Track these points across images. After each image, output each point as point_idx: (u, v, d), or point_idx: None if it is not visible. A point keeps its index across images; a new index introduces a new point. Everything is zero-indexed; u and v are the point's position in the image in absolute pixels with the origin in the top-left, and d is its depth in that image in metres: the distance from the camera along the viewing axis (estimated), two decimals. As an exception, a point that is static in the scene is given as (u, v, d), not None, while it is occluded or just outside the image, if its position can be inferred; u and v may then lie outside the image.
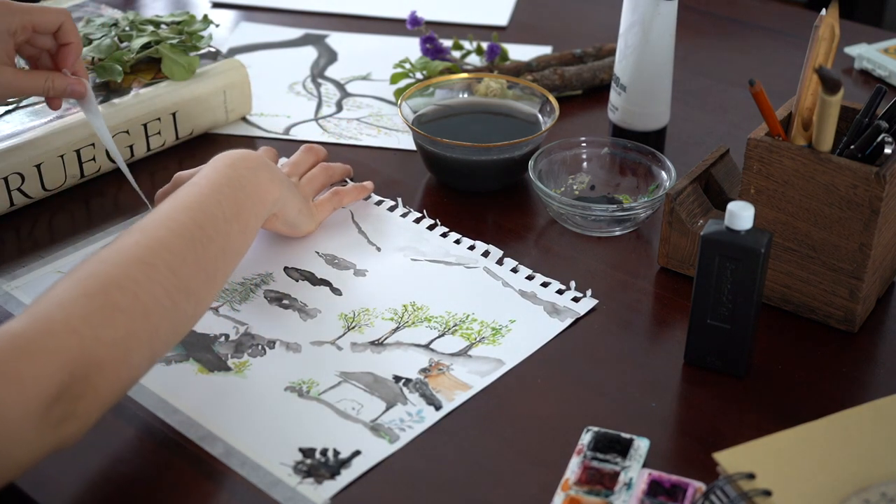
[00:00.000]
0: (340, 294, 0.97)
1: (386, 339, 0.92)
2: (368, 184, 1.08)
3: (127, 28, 1.20)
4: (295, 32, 1.44)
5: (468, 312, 0.95)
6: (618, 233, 1.05)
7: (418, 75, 1.27)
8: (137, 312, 0.75)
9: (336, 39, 1.43)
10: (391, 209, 1.08)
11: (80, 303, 0.73)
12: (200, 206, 0.84)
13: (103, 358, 0.72)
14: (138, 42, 1.17)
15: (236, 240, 0.86)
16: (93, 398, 0.72)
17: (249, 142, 1.20)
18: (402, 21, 1.44)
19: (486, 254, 1.02)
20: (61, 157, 1.06)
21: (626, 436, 0.82)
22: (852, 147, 0.89)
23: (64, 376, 0.70)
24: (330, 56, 1.38)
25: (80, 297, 0.73)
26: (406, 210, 1.08)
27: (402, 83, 1.28)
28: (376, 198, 1.09)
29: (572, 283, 0.98)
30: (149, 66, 1.18)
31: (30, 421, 0.68)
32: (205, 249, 0.82)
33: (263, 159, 0.93)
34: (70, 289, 0.74)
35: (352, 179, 1.12)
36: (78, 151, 1.08)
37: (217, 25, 1.26)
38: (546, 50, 1.40)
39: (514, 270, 1.00)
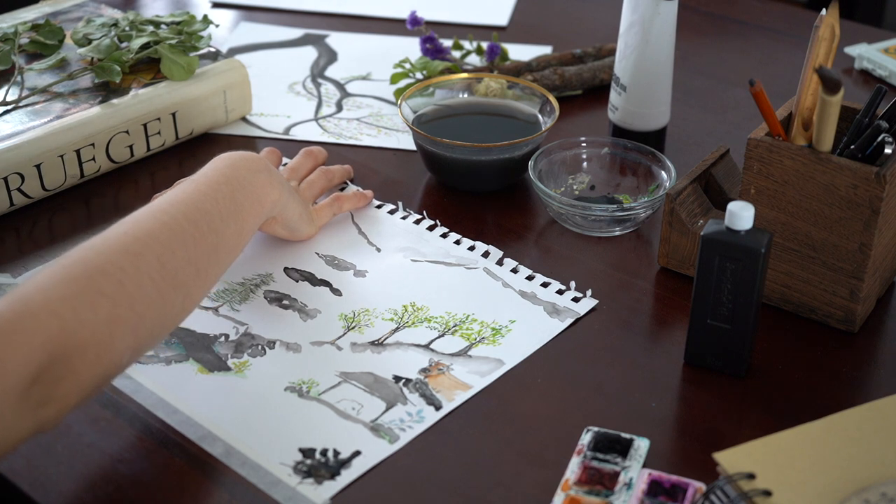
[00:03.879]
0: (340, 294, 0.97)
1: (386, 339, 0.92)
2: (369, 192, 1.08)
3: (127, 28, 1.20)
4: (295, 32, 1.44)
5: (468, 313, 0.95)
6: (618, 233, 1.05)
7: (418, 75, 1.27)
8: (122, 299, 0.75)
9: (336, 39, 1.43)
10: (391, 212, 1.08)
11: (61, 286, 0.73)
12: (195, 202, 0.84)
13: (85, 340, 0.72)
14: (138, 42, 1.17)
15: (231, 239, 0.86)
16: (73, 381, 0.72)
17: (249, 142, 1.20)
18: (402, 21, 1.44)
19: (486, 254, 1.02)
20: (61, 157, 1.06)
21: (626, 436, 0.82)
22: (852, 147, 0.89)
23: (43, 358, 0.70)
24: (330, 56, 1.38)
25: (62, 280, 0.73)
26: (406, 212, 1.08)
27: (402, 83, 1.28)
28: (376, 202, 1.09)
29: (572, 284, 0.98)
30: (148, 67, 1.18)
31: (8, 402, 0.68)
32: (196, 244, 0.82)
33: (264, 162, 0.93)
34: (53, 274, 0.74)
35: (352, 181, 1.12)
36: (78, 151, 1.08)
37: (217, 25, 1.26)
38: (546, 50, 1.40)
39: (514, 271, 1.00)
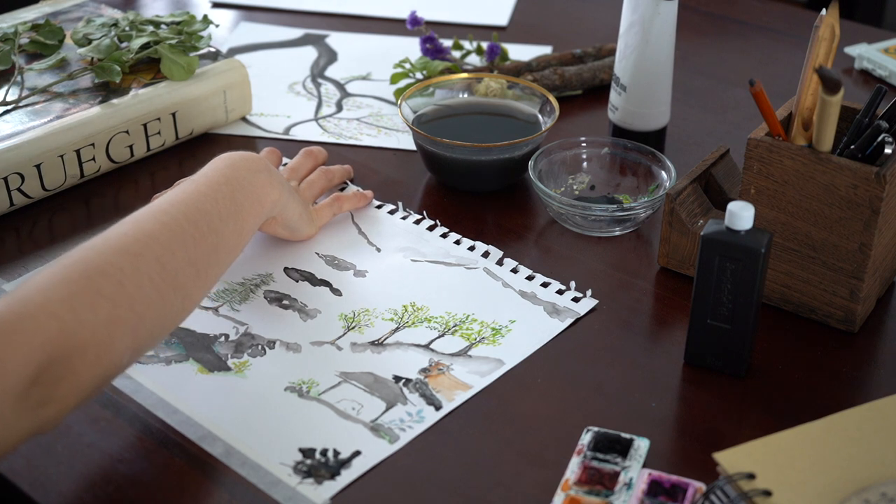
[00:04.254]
0: (340, 294, 0.97)
1: (386, 339, 0.92)
2: (369, 193, 1.08)
3: (127, 28, 1.20)
4: (295, 32, 1.44)
5: (468, 313, 0.95)
6: (618, 233, 1.05)
7: (418, 75, 1.27)
8: (121, 300, 0.75)
9: (336, 39, 1.43)
10: (391, 213, 1.08)
11: (60, 287, 0.73)
12: (195, 203, 0.84)
13: (84, 341, 0.72)
14: (138, 42, 1.17)
15: (230, 239, 0.86)
16: (72, 382, 0.72)
17: (249, 142, 1.20)
18: (402, 21, 1.44)
19: (486, 254, 1.02)
20: (61, 157, 1.06)
21: (626, 436, 0.82)
22: (852, 147, 0.89)
23: (42, 358, 0.70)
24: (330, 56, 1.38)
25: (62, 281, 0.73)
26: (406, 212, 1.08)
27: (402, 83, 1.28)
28: (376, 202, 1.09)
29: (572, 284, 0.98)
30: (148, 67, 1.18)
31: (7, 402, 0.68)
32: (196, 245, 0.82)
33: (264, 162, 0.93)
34: (53, 274, 0.74)
35: (352, 181, 1.12)
36: (78, 151, 1.08)
37: (217, 25, 1.26)
38: (546, 50, 1.40)
39: (514, 271, 1.00)
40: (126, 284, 0.76)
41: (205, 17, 1.23)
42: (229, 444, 0.81)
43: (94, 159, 1.09)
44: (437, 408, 0.85)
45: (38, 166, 1.05)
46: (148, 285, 0.77)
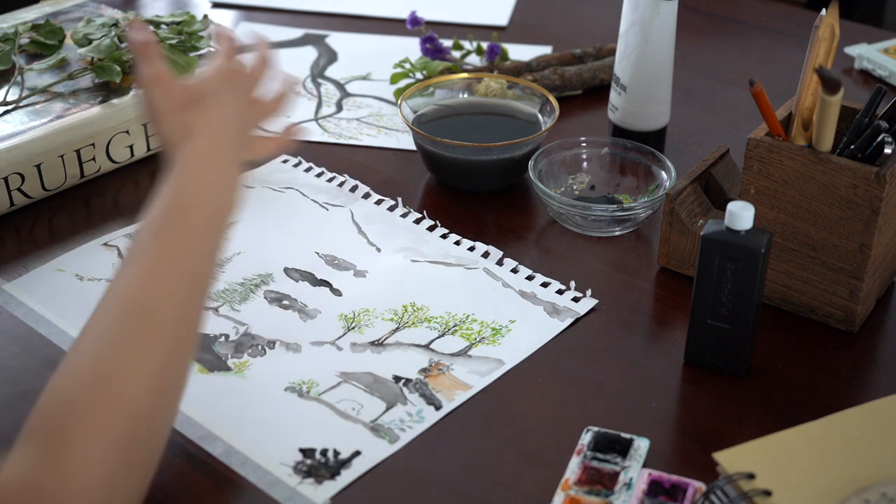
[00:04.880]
0: (340, 294, 0.97)
1: (386, 339, 0.92)
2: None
3: (127, 28, 1.20)
4: (295, 32, 1.44)
5: (468, 313, 0.95)
6: (618, 233, 1.05)
7: (418, 75, 1.27)
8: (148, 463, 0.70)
9: (336, 39, 1.43)
10: (391, 209, 1.08)
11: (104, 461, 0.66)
12: (156, 294, 0.71)
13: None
14: (138, 42, 1.17)
15: (204, 273, 0.75)
16: None
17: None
18: (402, 21, 1.44)
19: (486, 254, 1.02)
20: (61, 157, 1.06)
21: (626, 436, 0.82)
22: (852, 147, 0.89)
23: None
24: (330, 56, 1.38)
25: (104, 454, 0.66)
26: (406, 211, 1.08)
27: (402, 83, 1.28)
28: (376, 197, 1.09)
29: (572, 283, 0.98)
30: (149, 67, 1.18)
31: None
32: (158, 341, 0.70)
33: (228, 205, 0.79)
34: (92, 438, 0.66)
35: (347, 173, 1.12)
36: (78, 151, 1.08)
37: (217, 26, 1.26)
38: (546, 50, 1.40)
39: (514, 271, 1.00)
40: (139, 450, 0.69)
41: (205, 17, 1.23)
42: (229, 444, 0.81)
43: (94, 159, 1.09)
44: (437, 408, 0.85)
45: (38, 166, 1.05)
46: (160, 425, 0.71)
